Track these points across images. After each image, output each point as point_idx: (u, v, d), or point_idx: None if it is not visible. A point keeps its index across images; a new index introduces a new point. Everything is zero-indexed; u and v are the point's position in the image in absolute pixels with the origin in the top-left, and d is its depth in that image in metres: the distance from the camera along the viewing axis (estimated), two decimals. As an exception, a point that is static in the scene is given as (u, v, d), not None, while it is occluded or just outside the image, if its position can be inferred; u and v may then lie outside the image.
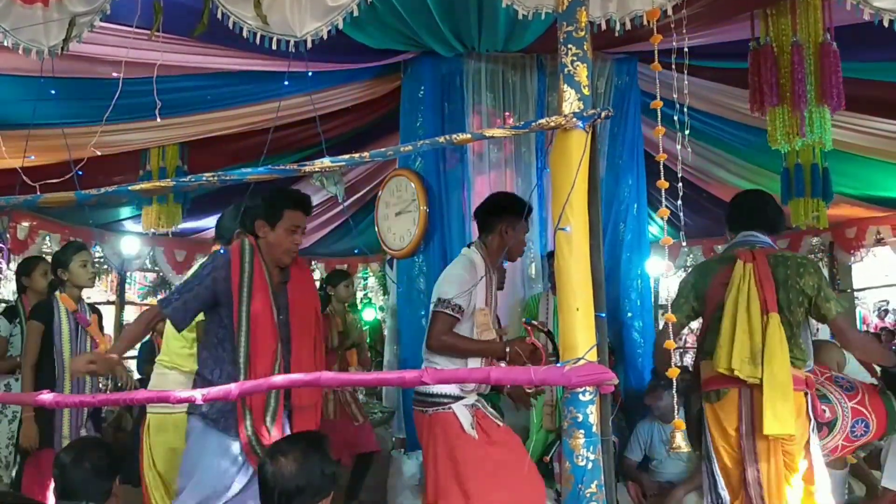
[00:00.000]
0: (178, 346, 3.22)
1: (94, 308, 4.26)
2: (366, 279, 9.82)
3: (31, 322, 3.92)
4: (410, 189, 4.39)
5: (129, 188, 2.02)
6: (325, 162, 1.92)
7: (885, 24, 2.05)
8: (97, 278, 6.10)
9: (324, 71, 4.25)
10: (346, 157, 1.91)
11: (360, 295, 10.90)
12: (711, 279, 2.99)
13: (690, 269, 3.12)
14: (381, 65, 4.47)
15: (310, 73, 3.19)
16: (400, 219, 4.51)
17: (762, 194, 3.36)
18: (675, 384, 1.93)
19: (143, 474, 3.25)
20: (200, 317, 2.78)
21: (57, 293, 3.95)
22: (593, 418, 1.67)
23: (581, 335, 1.69)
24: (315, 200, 7.04)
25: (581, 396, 1.67)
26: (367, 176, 6.57)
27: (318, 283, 5.72)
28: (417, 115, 4.45)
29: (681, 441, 1.88)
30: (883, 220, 6.98)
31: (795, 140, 3.57)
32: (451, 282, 2.86)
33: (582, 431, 1.66)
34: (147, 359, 5.72)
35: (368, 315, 8.82)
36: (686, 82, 2.14)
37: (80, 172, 2.05)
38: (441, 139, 1.74)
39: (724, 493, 2.85)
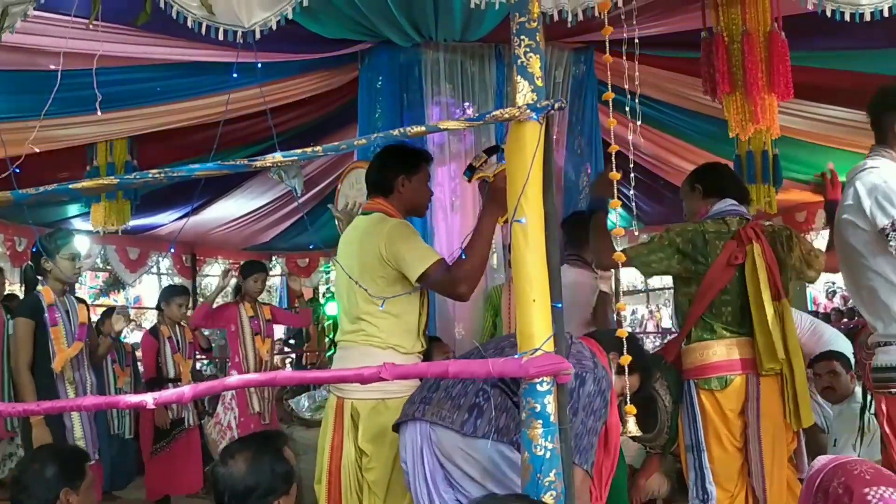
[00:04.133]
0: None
1: (80, 300, 4.15)
2: (328, 273, 9.76)
3: (18, 320, 3.75)
4: (370, 181, 4.34)
5: (70, 186, 1.94)
6: (277, 156, 1.89)
7: (828, 13, 2.09)
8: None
9: (278, 62, 4.19)
10: (299, 151, 1.87)
11: (322, 289, 10.84)
12: (713, 255, 2.83)
13: (672, 231, 2.94)
14: (338, 55, 4.41)
15: (259, 65, 3.12)
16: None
17: (729, 167, 3.36)
18: (626, 369, 1.95)
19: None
20: None
21: (40, 287, 3.80)
22: (551, 408, 1.68)
23: (538, 326, 1.70)
24: (274, 194, 6.99)
25: (538, 387, 1.67)
26: (326, 169, 6.51)
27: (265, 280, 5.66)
28: (376, 107, 4.41)
29: (632, 426, 1.90)
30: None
31: (749, 127, 3.64)
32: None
33: (540, 421, 1.67)
34: None
35: (332, 309, 8.78)
36: (637, 73, 2.14)
37: (18, 170, 1.97)
38: (395, 132, 1.72)
39: (712, 489, 2.78)
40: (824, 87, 4.52)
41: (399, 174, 2.78)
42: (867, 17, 2.12)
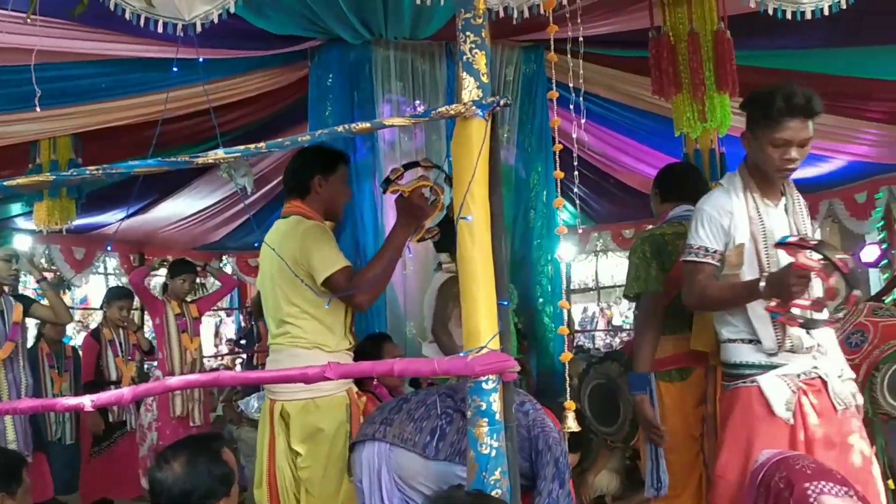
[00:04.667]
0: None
1: (23, 297, 4.01)
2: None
3: None
4: (320, 179, 4.30)
5: (5, 183, 1.88)
6: (220, 153, 1.84)
7: (770, 12, 2.13)
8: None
9: (225, 59, 4.11)
10: (242, 147, 1.83)
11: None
12: (676, 255, 2.84)
13: (639, 242, 3.00)
14: (287, 52, 4.35)
15: (201, 60, 3.05)
16: (310, 210, 4.41)
17: (693, 167, 3.38)
18: (566, 366, 1.95)
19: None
20: None
21: None
22: (496, 406, 1.67)
23: (484, 323, 1.69)
24: (224, 193, 6.85)
25: (484, 385, 1.67)
26: (277, 167, 6.41)
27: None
28: (326, 105, 4.36)
29: (571, 422, 1.91)
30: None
31: (698, 126, 3.70)
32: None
33: (485, 420, 1.66)
34: None
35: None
36: (582, 71, 2.15)
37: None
38: (340, 128, 1.70)
39: (665, 477, 2.82)
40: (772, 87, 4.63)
41: (315, 174, 2.76)
42: (808, 16, 2.17)
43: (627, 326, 13.17)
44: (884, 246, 7.01)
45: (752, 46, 3.99)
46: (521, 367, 4.81)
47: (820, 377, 2.32)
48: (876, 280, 8.01)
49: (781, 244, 2.20)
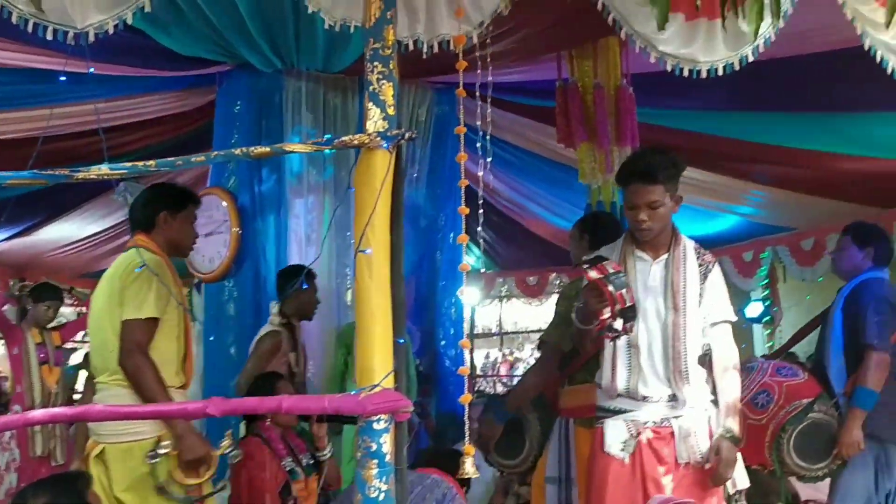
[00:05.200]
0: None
1: None
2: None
3: None
4: (222, 209, 4.15)
5: None
6: (104, 168, 1.72)
7: (668, 68, 2.22)
8: None
9: (126, 76, 3.93)
10: (129, 164, 1.72)
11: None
12: None
13: (563, 295, 3.06)
14: (195, 75, 4.21)
15: (92, 70, 2.90)
16: (210, 240, 4.23)
17: (615, 217, 3.45)
18: (467, 409, 1.91)
19: None
20: None
21: None
22: (387, 447, 1.60)
23: (378, 360, 1.62)
24: (118, 218, 6.51)
25: (375, 425, 1.59)
26: (177, 193, 6.17)
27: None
28: (233, 132, 4.23)
29: (469, 468, 1.87)
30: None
31: (601, 177, 3.82)
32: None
33: (375, 461, 1.58)
34: None
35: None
36: (490, 113, 2.17)
37: None
38: (238, 151, 1.62)
39: None
40: (670, 146, 4.85)
41: (162, 210, 2.70)
42: (703, 75, 2.27)
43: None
44: (766, 303, 7.42)
45: (655, 105, 4.18)
46: (421, 410, 4.77)
47: (672, 428, 2.39)
48: (759, 335, 8.45)
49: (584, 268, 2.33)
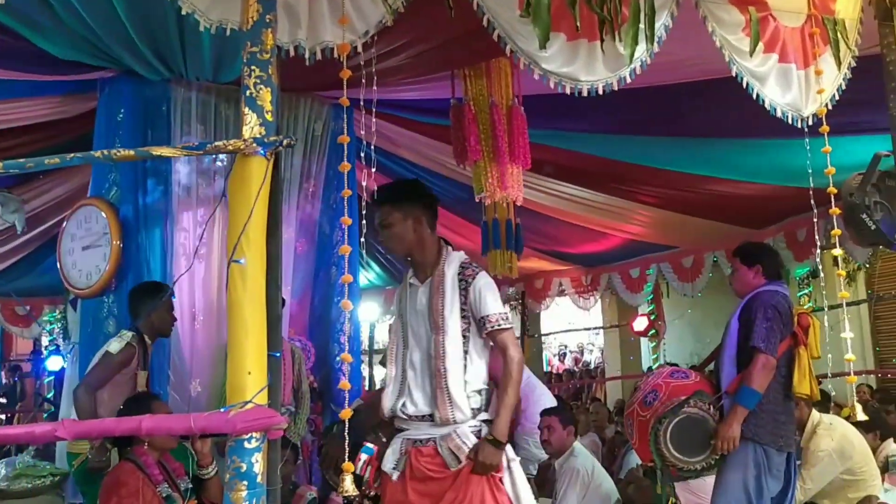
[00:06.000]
0: None
1: None
2: (53, 323, 8.60)
3: None
4: (102, 221, 3.93)
5: None
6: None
7: (551, 86, 2.28)
8: None
9: (4, 79, 3.69)
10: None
11: (45, 341, 9.56)
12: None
13: None
14: (75, 80, 3.99)
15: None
16: (88, 253, 4.02)
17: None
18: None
19: None
20: None
21: None
22: (258, 467, 1.53)
23: (250, 375, 1.56)
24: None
25: (246, 444, 1.52)
26: (56, 205, 5.81)
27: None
28: (115, 141, 4.02)
29: (349, 485, 1.82)
30: (565, 273, 7.96)
31: (496, 193, 3.87)
32: None
33: (245, 483, 1.51)
34: None
35: (54, 364, 7.73)
36: (374, 121, 2.16)
37: None
38: (98, 154, 1.53)
39: None
40: (561, 166, 5.00)
41: None
42: (584, 93, 2.34)
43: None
44: (652, 317, 7.77)
45: (548, 127, 4.29)
46: (314, 427, 4.65)
47: (436, 446, 2.46)
48: (646, 348, 8.81)
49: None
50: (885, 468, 3.95)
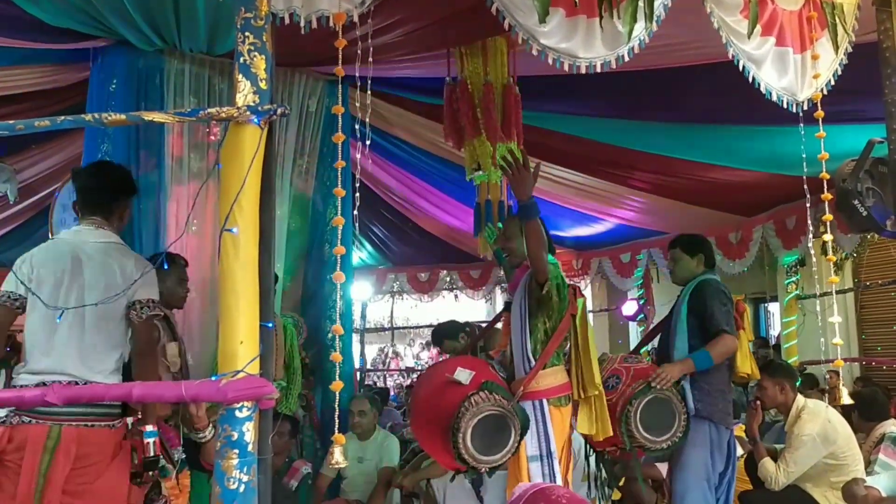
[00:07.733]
0: None
1: None
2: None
3: None
4: (94, 192, 3.90)
5: None
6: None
7: (550, 62, 2.26)
8: None
9: (-3, 46, 3.64)
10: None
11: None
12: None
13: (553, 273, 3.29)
14: (67, 49, 3.94)
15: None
16: (79, 225, 3.99)
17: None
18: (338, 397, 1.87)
19: None
20: None
21: None
22: (250, 436, 1.53)
23: (242, 345, 1.56)
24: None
25: (238, 413, 1.52)
26: (46, 176, 5.76)
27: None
28: (107, 111, 3.97)
29: (339, 456, 1.83)
30: (556, 257, 7.92)
31: (491, 170, 3.87)
32: None
33: (236, 451, 1.51)
34: None
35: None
36: (370, 96, 2.14)
37: None
38: (89, 117, 1.51)
39: None
40: (554, 149, 4.99)
41: None
42: (583, 70, 2.32)
43: (419, 367, 13.48)
44: (641, 301, 7.82)
45: (541, 109, 4.27)
46: (306, 402, 4.67)
47: None
48: (634, 332, 8.86)
49: None
50: (879, 441, 4.00)
